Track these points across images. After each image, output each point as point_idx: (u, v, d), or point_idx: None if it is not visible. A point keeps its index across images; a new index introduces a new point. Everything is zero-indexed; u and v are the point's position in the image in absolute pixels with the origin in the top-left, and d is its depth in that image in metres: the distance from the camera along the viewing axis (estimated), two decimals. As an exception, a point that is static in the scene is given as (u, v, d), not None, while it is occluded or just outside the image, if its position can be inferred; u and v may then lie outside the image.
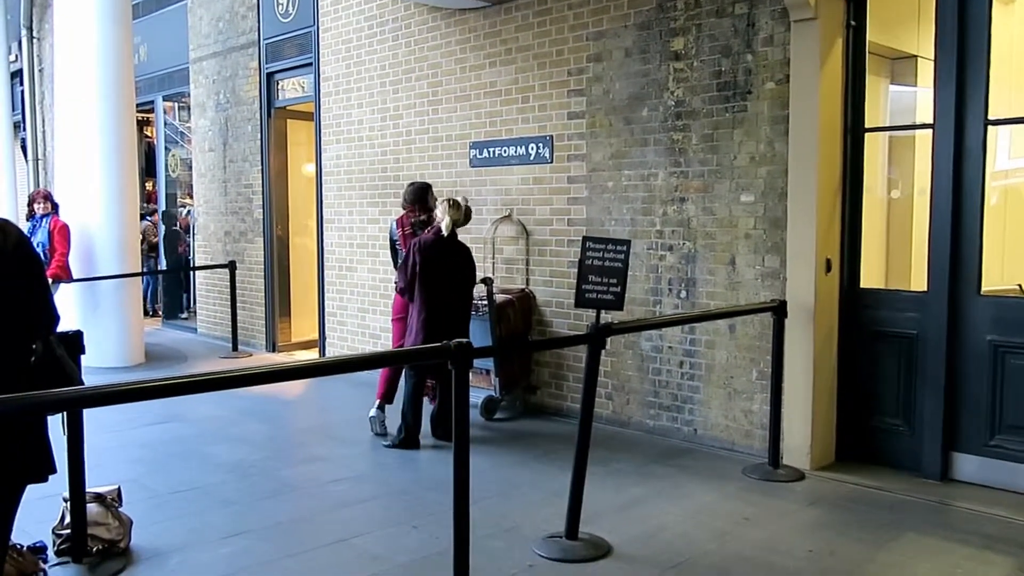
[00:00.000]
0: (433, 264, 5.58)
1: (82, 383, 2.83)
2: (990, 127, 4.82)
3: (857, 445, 5.36)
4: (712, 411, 5.73)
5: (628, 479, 5.10)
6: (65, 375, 2.63)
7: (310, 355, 9.15)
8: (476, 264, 5.96)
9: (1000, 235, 6.24)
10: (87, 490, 3.86)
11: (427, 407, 6.00)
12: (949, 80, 4.84)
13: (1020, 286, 5.56)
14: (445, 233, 5.58)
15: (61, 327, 3.01)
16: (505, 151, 6.86)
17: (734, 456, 5.50)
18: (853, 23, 5.20)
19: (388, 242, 6.53)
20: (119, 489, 4.13)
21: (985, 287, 5.02)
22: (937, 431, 4.99)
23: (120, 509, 4.08)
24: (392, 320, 6.23)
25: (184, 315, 11.73)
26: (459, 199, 5.78)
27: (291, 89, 9.33)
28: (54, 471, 2.79)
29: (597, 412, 6.29)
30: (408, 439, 5.73)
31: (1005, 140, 6.62)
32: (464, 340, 3.38)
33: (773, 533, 4.27)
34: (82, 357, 3.68)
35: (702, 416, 5.79)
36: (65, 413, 3.58)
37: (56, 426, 3.10)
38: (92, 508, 3.89)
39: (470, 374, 6.76)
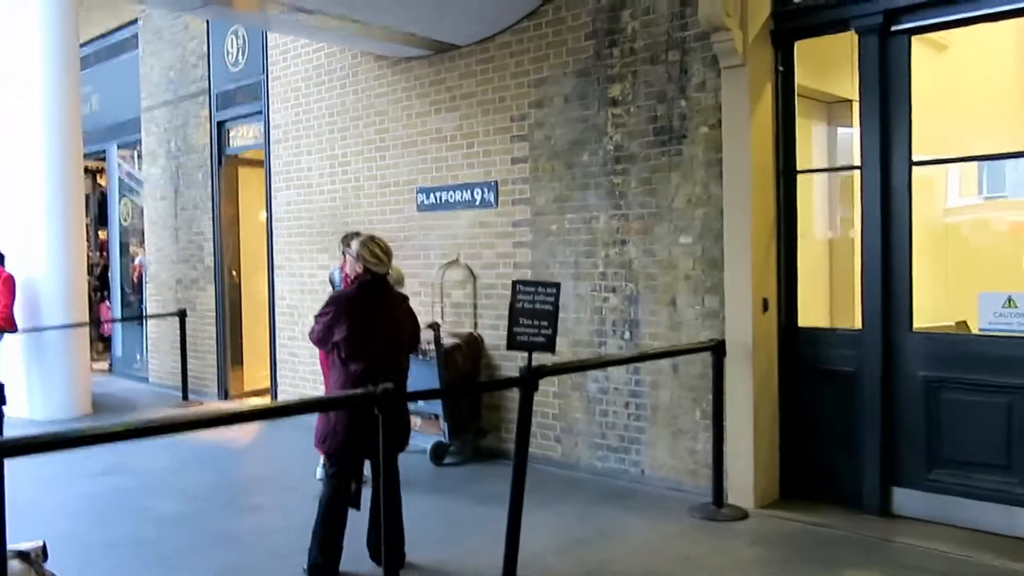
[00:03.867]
0: (364, 326, 4.26)
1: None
2: (915, 168, 4.95)
3: (800, 482, 5.39)
4: (658, 451, 5.75)
5: (571, 521, 5.08)
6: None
7: (258, 402, 9.03)
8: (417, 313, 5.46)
9: (943, 271, 6.39)
10: (8, 547, 3.75)
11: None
12: (873, 123, 4.99)
13: (965, 322, 5.67)
14: (401, 287, 4.57)
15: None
16: (451, 196, 6.92)
17: (680, 496, 5.50)
18: (781, 68, 5.35)
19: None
20: (44, 545, 4.01)
21: (928, 323, 5.12)
22: (876, 467, 5.05)
23: (45, 565, 3.96)
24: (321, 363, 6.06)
25: (137, 365, 11.56)
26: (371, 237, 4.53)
27: (241, 137, 9.35)
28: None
29: (547, 455, 6.32)
30: (325, 566, 4.23)
31: (955, 179, 6.85)
32: (390, 385, 3.38)
33: (713, 572, 4.27)
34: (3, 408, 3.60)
35: (648, 456, 5.80)
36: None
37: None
38: (14, 566, 3.77)
39: (419, 419, 6.77)
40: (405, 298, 4.62)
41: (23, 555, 3.86)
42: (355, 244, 4.40)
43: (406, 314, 4.53)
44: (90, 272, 11.01)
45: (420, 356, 6.47)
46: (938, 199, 6.76)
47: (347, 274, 5.77)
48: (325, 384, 5.81)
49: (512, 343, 3.98)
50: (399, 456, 4.20)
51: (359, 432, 4.12)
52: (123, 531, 5.05)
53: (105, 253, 12.52)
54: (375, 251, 4.36)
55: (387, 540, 3.37)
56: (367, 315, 4.27)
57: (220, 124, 9.37)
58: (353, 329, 4.21)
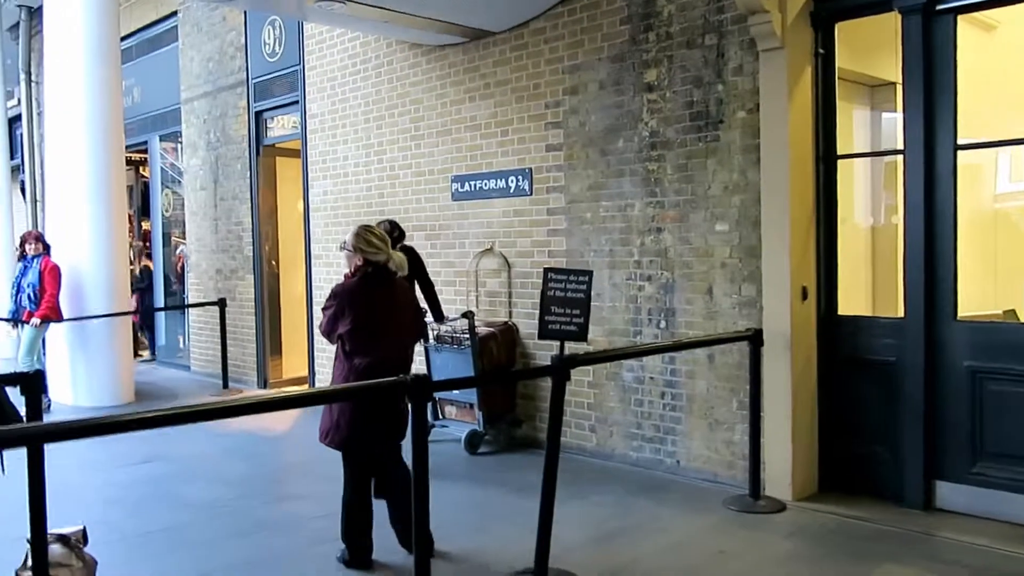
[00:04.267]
0: (368, 319, 4.15)
1: (20, 421, 2.82)
2: (960, 152, 4.80)
3: (840, 474, 5.28)
4: (694, 442, 5.67)
5: (606, 512, 5.04)
6: (2, 414, 2.61)
7: (294, 390, 9.10)
8: (451, 302, 5.54)
9: (992, 258, 6.22)
10: (50, 531, 3.82)
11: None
12: (917, 107, 4.85)
13: (1014, 311, 5.51)
14: (403, 272, 4.38)
15: (21, 368, 3.01)
16: (486, 184, 6.89)
17: (716, 488, 5.43)
18: (822, 51, 5.22)
19: None
20: (84, 529, 4.08)
21: (974, 312, 4.97)
22: (919, 459, 4.92)
23: (85, 549, 4.03)
24: None
25: (179, 353, 11.74)
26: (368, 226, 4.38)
27: (279, 127, 9.41)
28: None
29: (582, 445, 6.28)
30: (354, 558, 4.29)
31: (1006, 164, 6.65)
32: (421, 374, 3.36)
33: (748, 566, 4.20)
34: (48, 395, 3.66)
35: (684, 447, 5.73)
36: (26, 452, 3.56)
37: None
38: (55, 549, 3.84)
39: (454, 408, 6.78)
40: (406, 283, 4.44)
41: (64, 539, 3.93)
42: (349, 238, 4.22)
43: (408, 303, 4.43)
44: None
45: (456, 345, 6.47)
46: (987, 184, 6.57)
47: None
48: None
49: (544, 332, 3.95)
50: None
51: (364, 426, 4.12)
52: (161, 517, 5.13)
53: (148, 243, 12.72)
54: (371, 239, 4.19)
55: (417, 528, 3.37)
56: (370, 307, 4.13)
57: (258, 114, 9.45)
58: (356, 322, 4.09)
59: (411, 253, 6.12)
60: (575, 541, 4.47)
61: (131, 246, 12.21)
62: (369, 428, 4.15)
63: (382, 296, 4.19)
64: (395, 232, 6.13)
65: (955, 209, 4.79)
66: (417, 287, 6.25)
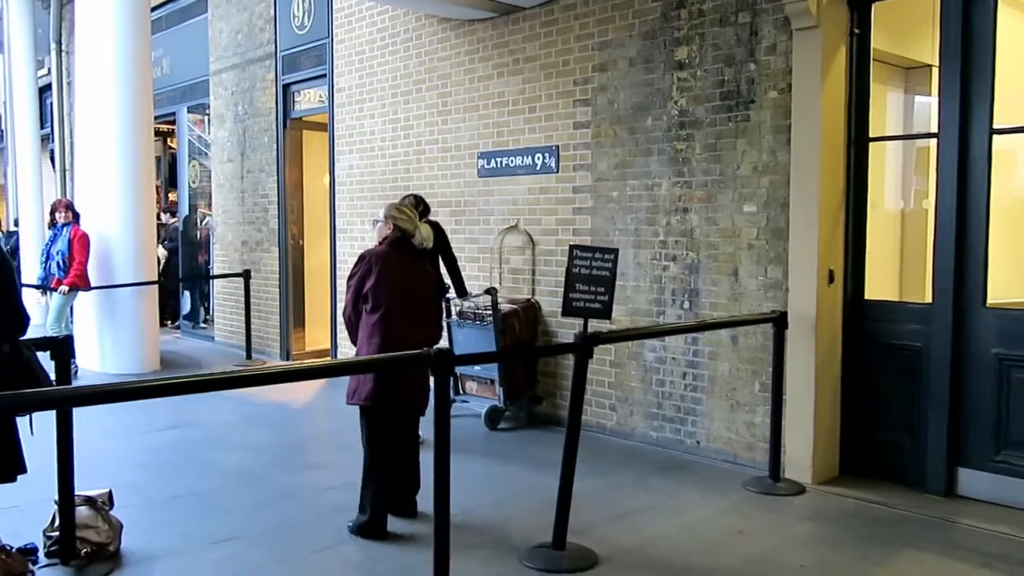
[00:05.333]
0: (393, 279, 4.34)
1: (50, 385, 2.86)
2: (996, 136, 4.72)
3: (861, 459, 5.26)
4: (715, 423, 5.67)
5: (626, 491, 5.06)
6: (33, 377, 2.65)
7: (317, 362, 9.17)
8: (475, 279, 5.64)
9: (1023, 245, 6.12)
10: (78, 493, 3.90)
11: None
12: (953, 89, 4.77)
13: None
14: (428, 245, 4.63)
15: (49, 335, 3.05)
16: (512, 161, 6.87)
17: (736, 469, 5.43)
18: (857, 31, 5.14)
19: None
20: (110, 492, 4.17)
21: (1005, 299, 4.91)
22: (942, 446, 4.89)
23: (111, 512, 4.11)
24: None
25: (203, 324, 11.85)
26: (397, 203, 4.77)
27: (306, 100, 9.42)
28: (22, 471, 2.82)
29: (602, 423, 6.29)
30: (373, 525, 4.30)
31: None
32: (444, 347, 3.38)
33: (767, 547, 4.20)
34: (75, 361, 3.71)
35: (705, 428, 5.72)
36: (55, 415, 3.63)
37: (25, 428, 3.13)
38: (82, 511, 3.92)
39: (475, 384, 6.80)
40: (430, 267, 4.78)
41: (90, 501, 4.01)
42: (383, 210, 4.57)
43: (428, 283, 4.63)
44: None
45: (478, 321, 6.49)
46: (1020, 170, 6.46)
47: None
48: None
49: (568, 309, 3.95)
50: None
51: (388, 387, 4.23)
52: (186, 482, 5.20)
53: (175, 214, 12.82)
54: (403, 208, 4.56)
55: (437, 500, 3.39)
56: (397, 269, 4.35)
57: (286, 87, 9.45)
58: (381, 278, 4.30)
59: (436, 228, 6.12)
60: (594, 518, 4.49)
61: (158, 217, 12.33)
62: (394, 382, 4.26)
63: (407, 263, 4.44)
64: (420, 207, 6.13)
65: (988, 194, 4.72)
66: (441, 263, 6.26)
